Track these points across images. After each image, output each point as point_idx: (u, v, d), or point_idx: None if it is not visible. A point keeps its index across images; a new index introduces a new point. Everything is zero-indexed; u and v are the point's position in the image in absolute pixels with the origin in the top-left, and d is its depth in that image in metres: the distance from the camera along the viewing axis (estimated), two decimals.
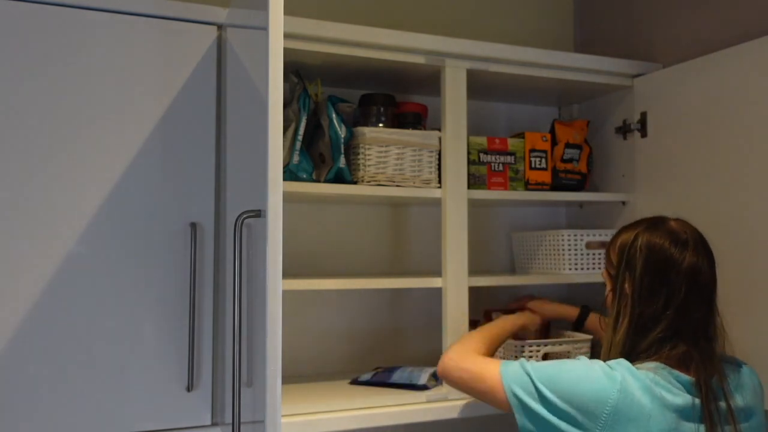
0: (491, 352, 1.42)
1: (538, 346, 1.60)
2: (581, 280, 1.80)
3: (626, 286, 1.23)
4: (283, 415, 1.17)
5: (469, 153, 1.67)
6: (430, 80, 1.67)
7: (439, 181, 1.62)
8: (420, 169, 1.61)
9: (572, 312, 1.71)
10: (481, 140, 1.72)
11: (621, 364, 1.16)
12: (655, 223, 1.26)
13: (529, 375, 1.18)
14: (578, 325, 1.69)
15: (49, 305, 1.23)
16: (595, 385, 1.12)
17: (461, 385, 1.32)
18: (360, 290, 1.80)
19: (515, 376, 1.20)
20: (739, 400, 1.17)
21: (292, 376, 1.68)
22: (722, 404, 1.14)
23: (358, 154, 1.57)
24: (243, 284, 1.20)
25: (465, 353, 1.34)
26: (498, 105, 2.01)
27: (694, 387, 1.13)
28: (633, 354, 1.19)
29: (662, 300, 1.18)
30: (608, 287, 1.31)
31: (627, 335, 1.21)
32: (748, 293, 1.48)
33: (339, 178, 1.56)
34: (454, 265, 1.59)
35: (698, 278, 1.20)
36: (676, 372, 1.14)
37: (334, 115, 1.56)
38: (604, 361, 1.20)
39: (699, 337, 1.18)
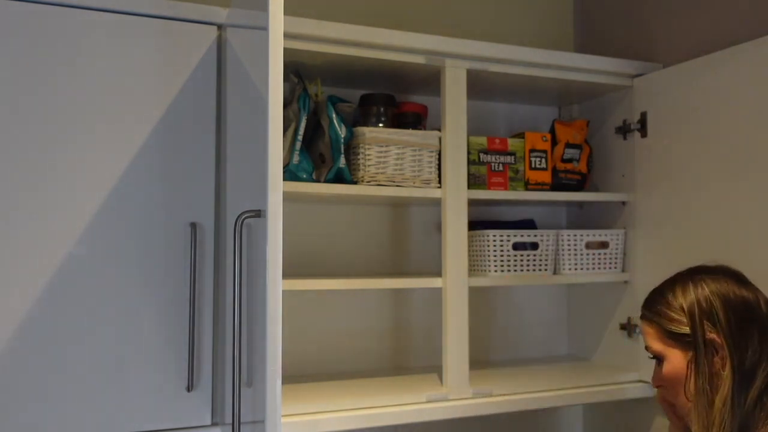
0: None
1: (508, 236, 1.69)
2: (581, 280, 1.80)
3: (712, 335, 1.09)
4: (283, 415, 1.17)
5: (469, 153, 1.67)
6: (430, 80, 1.67)
7: (439, 181, 1.62)
8: (420, 169, 1.61)
9: None
10: (481, 140, 1.72)
11: None
12: (699, 269, 1.17)
13: None
14: None
15: (49, 305, 1.23)
16: None
17: None
18: (360, 290, 1.80)
19: None
20: None
21: (292, 376, 1.68)
22: None
23: (358, 154, 1.57)
24: (243, 284, 1.20)
25: None
26: (498, 105, 2.01)
27: None
28: (746, 420, 1.04)
29: (756, 337, 1.07)
30: (669, 356, 1.14)
31: (732, 388, 1.05)
32: None
33: (339, 178, 1.56)
34: (454, 265, 1.59)
35: None
36: None
37: (334, 115, 1.56)
38: None
39: None
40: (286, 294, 1.12)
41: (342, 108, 1.61)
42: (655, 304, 1.18)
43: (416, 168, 1.61)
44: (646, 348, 1.21)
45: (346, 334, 1.80)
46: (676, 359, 1.13)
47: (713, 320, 1.08)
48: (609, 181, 1.90)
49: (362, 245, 1.82)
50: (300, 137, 1.53)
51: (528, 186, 1.76)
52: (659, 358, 1.18)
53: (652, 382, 1.23)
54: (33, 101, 1.24)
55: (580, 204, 2.01)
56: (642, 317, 1.23)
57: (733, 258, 1.51)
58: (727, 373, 1.05)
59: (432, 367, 1.76)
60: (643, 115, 1.78)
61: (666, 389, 1.17)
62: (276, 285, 0.97)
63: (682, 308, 1.12)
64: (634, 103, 1.81)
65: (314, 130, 1.60)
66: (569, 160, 1.85)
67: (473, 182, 1.68)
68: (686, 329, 1.11)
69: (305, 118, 1.54)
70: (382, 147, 1.57)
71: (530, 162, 1.77)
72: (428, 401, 1.52)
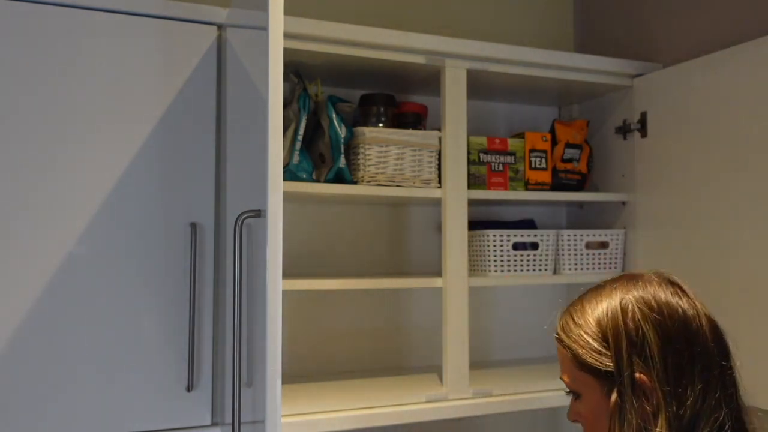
0: None
1: (508, 236, 1.69)
2: (581, 280, 1.79)
3: (641, 376, 0.84)
4: (283, 415, 1.17)
5: (469, 153, 1.67)
6: (430, 80, 1.67)
7: (439, 181, 1.62)
8: (420, 169, 1.61)
9: None
10: (481, 140, 1.72)
11: None
12: (631, 280, 0.92)
13: None
14: None
15: (49, 305, 1.23)
16: None
17: None
18: (360, 290, 1.80)
19: None
20: None
21: (292, 376, 1.68)
22: None
23: (358, 154, 1.57)
24: (243, 284, 1.20)
25: None
26: (498, 105, 2.01)
27: None
28: None
29: (698, 379, 0.82)
30: (586, 395, 0.91)
31: None
32: (750, 295, 1.48)
33: (339, 178, 1.56)
34: (454, 265, 1.59)
35: (720, 333, 0.88)
36: None
37: (334, 115, 1.56)
38: None
39: (741, 411, 0.86)
40: (286, 294, 1.12)
41: (342, 108, 1.61)
42: (572, 326, 0.92)
43: (416, 168, 1.60)
44: (561, 378, 0.97)
45: (346, 334, 1.80)
46: (595, 399, 0.89)
47: (644, 356, 0.83)
48: (609, 181, 1.90)
49: (362, 245, 1.82)
50: (300, 137, 1.53)
51: (528, 186, 1.76)
52: (575, 394, 0.94)
53: (568, 416, 0.98)
54: (33, 101, 1.24)
55: (580, 204, 2.01)
56: (556, 338, 0.97)
57: (732, 258, 1.52)
58: (660, 429, 0.81)
59: (432, 367, 1.76)
60: (643, 115, 1.78)
61: (587, 427, 0.94)
62: (276, 285, 0.97)
63: (605, 336, 0.87)
64: (634, 103, 1.81)
65: (314, 130, 1.60)
66: (569, 160, 1.85)
67: (473, 182, 1.68)
68: (609, 364, 0.86)
69: (305, 118, 1.54)
70: (382, 147, 1.57)
71: (530, 162, 1.77)
72: (428, 401, 1.52)
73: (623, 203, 1.84)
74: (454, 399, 1.54)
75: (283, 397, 1.02)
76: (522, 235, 1.72)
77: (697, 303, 0.89)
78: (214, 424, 1.33)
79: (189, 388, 1.30)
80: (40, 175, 1.23)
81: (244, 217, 1.14)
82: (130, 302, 1.28)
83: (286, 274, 1.11)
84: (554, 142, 1.83)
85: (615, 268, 1.81)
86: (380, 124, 1.64)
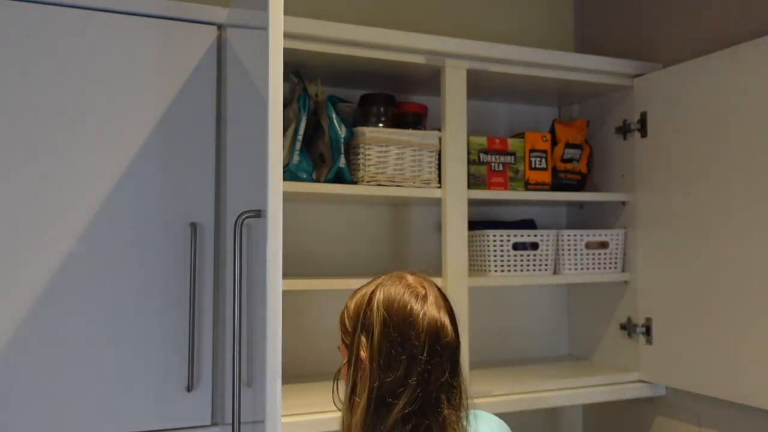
0: None
1: (508, 236, 1.69)
2: (581, 280, 1.80)
3: (362, 353, 1.03)
4: (283, 415, 1.17)
5: (469, 153, 1.67)
6: (430, 80, 1.67)
7: (439, 181, 1.62)
8: (420, 169, 1.61)
9: None
10: (481, 140, 1.72)
11: None
12: (391, 278, 1.10)
13: None
14: None
15: (49, 305, 1.23)
16: None
17: None
18: None
19: None
20: None
21: (292, 376, 1.68)
22: None
23: (358, 154, 1.57)
24: (243, 284, 1.20)
25: None
26: (498, 105, 2.01)
27: None
28: None
29: (404, 365, 1.00)
30: (343, 356, 1.12)
31: (367, 414, 1.01)
32: (749, 294, 1.48)
33: (339, 178, 1.56)
34: (454, 265, 1.59)
35: (440, 336, 1.03)
36: None
37: (334, 115, 1.56)
38: None
39: (443, 407, 1.02)
40: (286, 294, 1.12)
41: (342, 108, 1.61)
42: (345, 306, 1.13)
43: (416, 168, 1.60)
44: None
45: None
46: (343, 362, 1.10)
47: (369, 338, 1.03)
48: (609, 181, 1.90)
49: (362, 245, 1.82)
50: (300, 137, 1.53)
51: (528, 186, 1.76)
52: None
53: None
54: (33, 101, 1.24)
55: (580, 204, 2.01)
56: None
57: (732, 257, 1.52)
58: (364, 397, 1.01)
59: None
60: (643, 115, 1.78)
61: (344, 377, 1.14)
62: (276, 285, 0.97)
63: (350, 316, 1.08)
64: (634, 103, 1.81)
65: (314, 130, 1.60)
66: (569, 160, 1.85)
67: (473, 182, 1.68)
68: (348, 339, 1.08)
69: (305, 118, 1.54)
70: (382, 147, 1.57)
71: (530, 162, 1.77)
72: None
73: (623, 203, 1.84)
74: None
75: (283, 397, 1.02)
76: (522, 235, 1.72)
77: (430, 312, 1.03)
78: (214, 424, 1.33)
79: (189, 388, 1.30)
80: (40, 176, 1.23)
81: (244, 217, 1.14)
82: (130, 302, 1.28)
83: (286, 274, 1.11)
84: (554, 142, 1.83)
85: (615, 267, 1.81)
86: (380, 124, 1.64)
